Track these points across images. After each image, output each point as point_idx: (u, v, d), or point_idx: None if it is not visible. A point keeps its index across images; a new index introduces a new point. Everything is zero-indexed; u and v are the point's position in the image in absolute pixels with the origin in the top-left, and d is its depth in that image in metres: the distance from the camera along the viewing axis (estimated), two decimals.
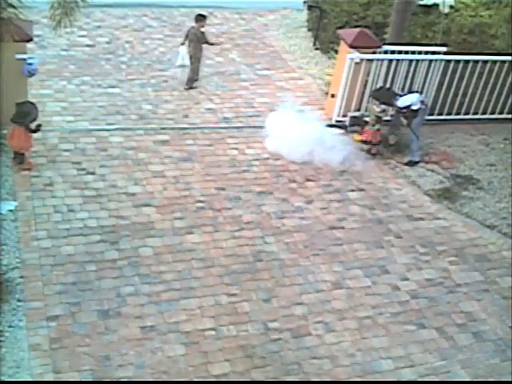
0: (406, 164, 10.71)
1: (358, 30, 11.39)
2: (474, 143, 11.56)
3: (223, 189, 9.68)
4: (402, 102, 10.64)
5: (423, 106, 10.76)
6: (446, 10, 12.36)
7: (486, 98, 11.83)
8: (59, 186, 9.22)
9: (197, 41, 11.80)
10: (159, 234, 8.70)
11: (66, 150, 9.93)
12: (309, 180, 10.14)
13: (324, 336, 7.68)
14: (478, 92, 11.74)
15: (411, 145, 10.77)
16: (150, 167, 9.87)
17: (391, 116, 10.90)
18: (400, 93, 11.00)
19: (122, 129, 10.62)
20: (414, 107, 10.61)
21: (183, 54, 11.91)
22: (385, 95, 10.80)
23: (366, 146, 10.83)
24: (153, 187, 9.48)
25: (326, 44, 13.76)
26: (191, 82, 12.04)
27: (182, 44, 11.92)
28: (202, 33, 11.85)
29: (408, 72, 11.30)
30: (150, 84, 12.01)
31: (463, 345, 7.83)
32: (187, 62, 11.93)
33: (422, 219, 9.69)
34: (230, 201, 9.47)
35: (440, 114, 11.81)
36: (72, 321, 7.35)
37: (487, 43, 12.05)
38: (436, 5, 12.60)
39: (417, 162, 10.73)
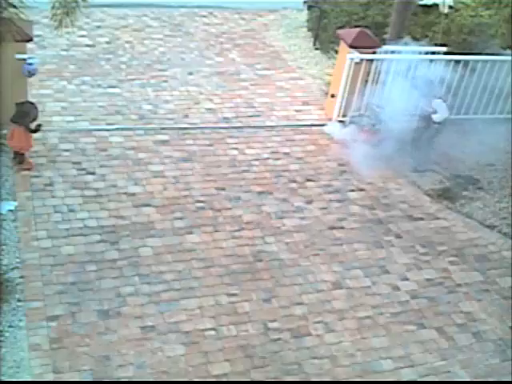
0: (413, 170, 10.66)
1: (357, 29, 11.39)
2: (473, 143, 11.55)
3: (223, 189, 9.68)
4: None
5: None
6: (446, 10, 12.37)
7: (485, 98, 11.83)
8: (59, 185, 9.22)
9: None
10: (159, 234, 8.70)
11: (66, 150, 9.93)
12: (309, 180, 10.13)
13: (324, 336, 7.68)
14: (478, 92, 11.74)
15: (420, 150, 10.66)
16: (150, 167, 9.87)
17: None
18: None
19: (122, 129, 10.62)
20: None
21: None
22: None
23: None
24: (153, 187, 9.48)
25: (325, 44, 13.75)
26: None
27: None
28: None
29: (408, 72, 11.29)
30: (150, 84, 12.00)
31: (463, 345, 7.84)
32: None
33: (421, 219, 9.69)
34: (230, 201, 9.47)
35: None
36: (72, 321, 7.36)
37: (487, 43, 12.04)
38: (436, 5, 12.60)
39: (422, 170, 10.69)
